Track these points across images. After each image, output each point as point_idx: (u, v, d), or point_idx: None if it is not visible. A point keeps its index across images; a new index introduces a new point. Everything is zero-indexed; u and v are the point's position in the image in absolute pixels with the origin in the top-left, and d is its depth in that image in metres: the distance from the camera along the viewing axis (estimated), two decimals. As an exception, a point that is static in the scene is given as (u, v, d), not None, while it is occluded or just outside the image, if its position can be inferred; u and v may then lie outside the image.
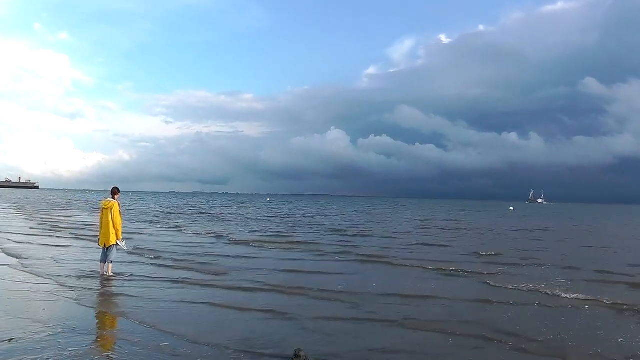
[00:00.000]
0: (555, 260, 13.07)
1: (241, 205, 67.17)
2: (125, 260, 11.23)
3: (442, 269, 11.28)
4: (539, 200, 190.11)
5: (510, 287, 9.14)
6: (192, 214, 38.47)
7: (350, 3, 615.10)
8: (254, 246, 15.87)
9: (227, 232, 20.65)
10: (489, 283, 9.62)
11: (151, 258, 12.44)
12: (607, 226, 34.58)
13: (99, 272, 9.63)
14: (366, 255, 13.82)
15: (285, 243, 16.76)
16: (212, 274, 10.14)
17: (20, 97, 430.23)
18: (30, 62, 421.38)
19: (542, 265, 12.15)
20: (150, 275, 9.83)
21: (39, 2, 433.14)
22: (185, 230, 21.88)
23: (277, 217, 36.67)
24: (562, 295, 8.41)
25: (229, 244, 16.65)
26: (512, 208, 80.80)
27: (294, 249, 15.37)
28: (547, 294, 8.57)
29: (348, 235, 20.84)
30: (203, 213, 39.76)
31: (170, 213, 38.72)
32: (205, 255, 13.30)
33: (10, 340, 5.42)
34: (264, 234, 20.49)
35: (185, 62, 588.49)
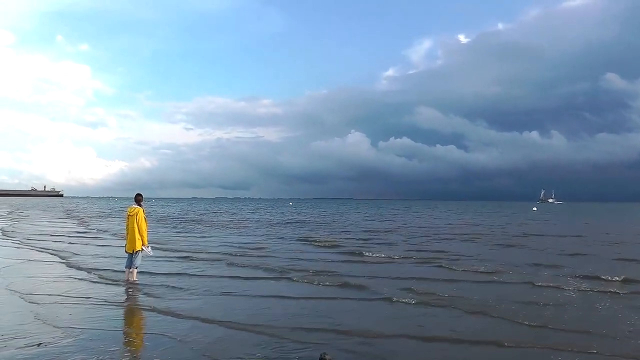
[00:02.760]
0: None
1: (255, 210, 66.98)
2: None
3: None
4: (550, 200, 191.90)
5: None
6: (181, 221, 35.79)
7: (367, 5, 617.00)
8: (213, 260, 13.47)
9: (195, 246, 17.35)
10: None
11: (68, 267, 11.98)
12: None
13: (124, 278, 9.88)
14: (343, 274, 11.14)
15: (256, 257, 14.40)
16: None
17: (43, 108, 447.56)
18: (52, 73, 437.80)
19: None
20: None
21: (60, 15, 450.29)
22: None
23: (280, 223, 34.96)
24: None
25: (180, 259, 13.76)
26: (535, 209, 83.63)
27: (256, 265, 12.57)
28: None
29: (326, 247, 17.64)
30: (193, 220, 36.80)
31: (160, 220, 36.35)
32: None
33: (39, 344, 5.59)
34: (239, 246, 17.61)
35: (203, 69, 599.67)
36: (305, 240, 20.37)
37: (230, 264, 12.82)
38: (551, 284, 9.90)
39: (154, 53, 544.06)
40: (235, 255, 14.80)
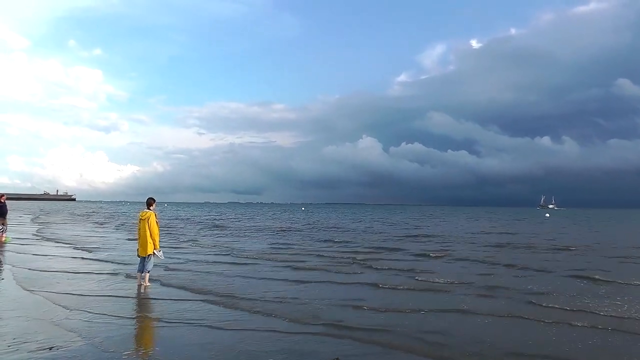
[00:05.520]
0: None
1: (253, 215, 65.39)
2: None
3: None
4: (550, 206, 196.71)
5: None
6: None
7: (380, 10, 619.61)
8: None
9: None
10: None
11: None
12: None
13: (136, 282, 10.02)
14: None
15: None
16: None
17: (56, 112, 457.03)
18: (65, 78, 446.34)
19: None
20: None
21: (73, 20, 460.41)
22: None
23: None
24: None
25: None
26: (547, 215, 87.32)
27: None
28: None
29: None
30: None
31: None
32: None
33: (50, 348, 5.69)
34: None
35: (216, 74, 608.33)
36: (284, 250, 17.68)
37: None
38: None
39: (166, 58, 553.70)
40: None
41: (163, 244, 19.45)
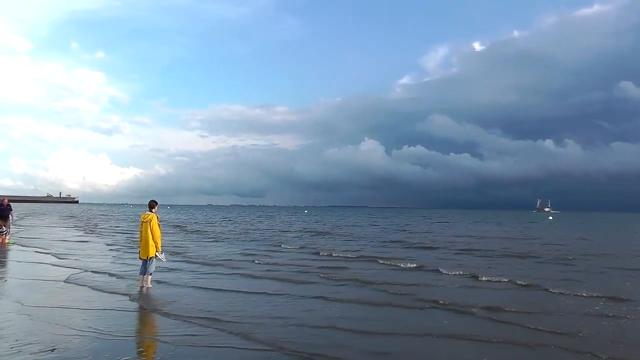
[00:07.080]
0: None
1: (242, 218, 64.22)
2: None
3: None
4: (546, 209, 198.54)
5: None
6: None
7: (383, 13, 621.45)
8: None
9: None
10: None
11: None
12: None
13: (139, 284, 10.06)
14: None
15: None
16: None
17: (59, 115, 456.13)
18: (68, 80, 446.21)
19: None
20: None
21: (75, 23, 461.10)
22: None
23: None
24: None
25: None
26: (551, 218, 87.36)
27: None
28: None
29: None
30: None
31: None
32: None
33: (53, 350, 5.73)
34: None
35: (219, 76, 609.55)
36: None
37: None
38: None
39: (168, 60, 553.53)
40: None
41: (122, 247, 19.75)
